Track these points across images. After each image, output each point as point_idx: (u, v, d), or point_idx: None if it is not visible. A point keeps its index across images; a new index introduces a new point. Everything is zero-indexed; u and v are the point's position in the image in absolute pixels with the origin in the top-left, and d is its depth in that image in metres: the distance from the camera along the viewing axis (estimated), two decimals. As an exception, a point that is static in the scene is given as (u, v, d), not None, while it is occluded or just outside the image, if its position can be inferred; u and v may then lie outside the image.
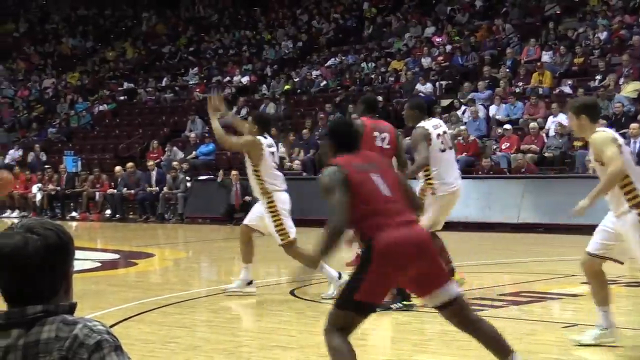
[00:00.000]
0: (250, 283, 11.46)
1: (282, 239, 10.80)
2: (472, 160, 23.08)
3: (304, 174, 25.00)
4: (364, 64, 31.62)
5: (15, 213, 29.23)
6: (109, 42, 43.61)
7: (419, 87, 28.04)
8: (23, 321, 2.77)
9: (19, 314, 2.78)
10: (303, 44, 35.83)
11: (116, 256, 17.55)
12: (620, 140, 7.70)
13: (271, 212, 10.80)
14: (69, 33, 44.85)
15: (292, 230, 10.89)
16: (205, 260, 17.75)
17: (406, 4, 35.18)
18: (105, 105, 36.90)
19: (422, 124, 10.44)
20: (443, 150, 10.47)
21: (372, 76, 30.52)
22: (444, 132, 10.60)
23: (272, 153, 10.96)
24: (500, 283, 12.90)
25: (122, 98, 37.26)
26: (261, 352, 8.14)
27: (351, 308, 5.86)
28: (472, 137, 23.62)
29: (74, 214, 28.64)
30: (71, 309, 2.85)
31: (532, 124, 22.88)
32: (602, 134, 7.63)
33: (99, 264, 15.41)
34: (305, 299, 10.99)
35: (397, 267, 5.81)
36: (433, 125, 10.51)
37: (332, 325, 5.94)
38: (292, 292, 11.50)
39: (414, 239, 5.83)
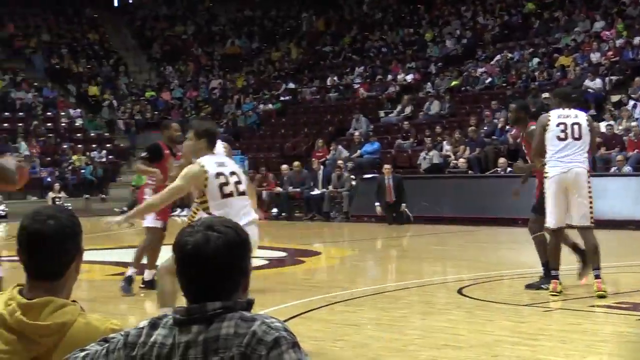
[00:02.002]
0: None
1: None
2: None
3: (470, 172, 24.75)
4: (533, 60, 31.06)
5: (185, 211, 29.88)
6: (274, 43, 44.18)
7: (587, 82, 27.41)
8: (203, 317, 2.80)
9: (199, 310, 2.81)
10: (468, 41, 35.50)
11: (283, 254, 17.72)
12: None
13: None
14: (235, 34, 45.65)
15: None
16: (370, 259, 17.76)
17: (573, -1, 34.48)
18: (270, 105, 37.41)
19: (551, 111, 10.99)
20: (562, 139, 10.74)
21: (537, 73, 29.99)
22: (574, 124, 10.82)
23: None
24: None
25: (287, 98, 37.67)
26: (430, 351, 8.06)
27: None
28: (643, 133, 22.95)
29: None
30: (249, 305, 2.87)
31: None
32: None
33: (267, 262, 15.57)
34: (473, 298, 10.87)
35: None
36: (559, 115, 10.86)
37: None
38: (459, 291, 11.40)
39: None
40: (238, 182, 7.85)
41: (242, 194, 7.82)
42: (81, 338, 3.19)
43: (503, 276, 12.77)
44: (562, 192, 10.69)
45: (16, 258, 3.37)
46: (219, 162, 7.92)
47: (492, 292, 11.37)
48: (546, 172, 10.73)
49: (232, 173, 7.86)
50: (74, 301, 3.35)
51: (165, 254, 8.08)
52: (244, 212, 7.72)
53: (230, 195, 7.75)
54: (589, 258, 10.77)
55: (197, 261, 2.81)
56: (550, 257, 10.84)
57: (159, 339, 2.84)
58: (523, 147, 12.20)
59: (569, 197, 10.71)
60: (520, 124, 11.83)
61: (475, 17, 37.12)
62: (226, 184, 7.76)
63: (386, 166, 24.65)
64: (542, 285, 11.07)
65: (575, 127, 10.82)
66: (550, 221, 10.70)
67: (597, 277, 10.48)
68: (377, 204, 24.12)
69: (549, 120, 10.84)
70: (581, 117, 11.01)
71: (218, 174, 7.75)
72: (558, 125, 10.77)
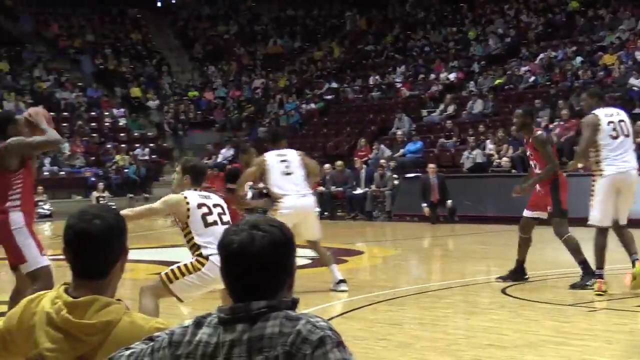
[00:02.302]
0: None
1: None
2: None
3: (513, 171, 24.60)
4: (576, 59, 30.83)
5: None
6: (316, 42, 44.20)
7: (632, 80, 27.17)
8: (247, 316, 2.80)
9: (243, 309, 2.81)
10: (511, 39, 35.30)
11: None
12: None
13: None
14: (277, 34, 45.72)
15: None
16: (413, 258, 17.71)
17: (618, -4, 34.19)
18: (313, 104, 37.43)
19: (595, 111, 10.97)
20: (615, 137, 10.83)
21: (580, 71, 29.75)
22: (620, 121, 10.97)
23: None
24: None
25: (329, 97, 37.66)
26: (474, 350, 8.03)
27: None
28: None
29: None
30: (293, 304, 2.87)
31: None
32: None
33: (309, 261, 15.57)
34: (517, 298, 10.81)
35: None
36: (605, 114, 10.95)
37: None
38: (503, 291, 11.34)
39: None
40: (222, 213, 8.06)
41: (227, 223, 7.90)
42: (126, 337, 3.20)
43: (547, 276, 12.69)
44: (615, 191, 10.73)
45: (61, 257, 3.39)
46: (202, 195, 8.14)
47: (536, 292, 11.31)
48: (601, 171, 10.74)
49: (216, 205, 8.09)
50: (118, 300, 3.37)
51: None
52: None
53: (214, 224, 7.93)
54: (630, 248, 10.82)
55: (242, 260, 2.81)
56: (595, 255, 10.78)
57: (203, 337, 2.84)
58: (528, 153, 12.14)
59: (619, 198, 10.73)
60: (526, 129, 11.90)
61: (519, 15, 36.90)
62: (209, 213, 7.98)
63: (431, 165, 24.61)
64: (587, 283, 11.06)
65: (622, 124, 10.95)
66: (597, 217, 10.69)
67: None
68: (424, 204, 24.07)
69: (599, 119, 10.83)
70: (622, 114, 11.24)
71: (200, 205, 7.98)
72: (608, 124, 10.80)
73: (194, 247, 7.98)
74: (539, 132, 11.93)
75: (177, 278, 7.91)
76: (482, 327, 9.19)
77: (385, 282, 13.48)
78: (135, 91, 40.88)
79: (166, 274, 7.98)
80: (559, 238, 11.63)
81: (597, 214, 10.71)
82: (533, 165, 11.92)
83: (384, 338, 8.69)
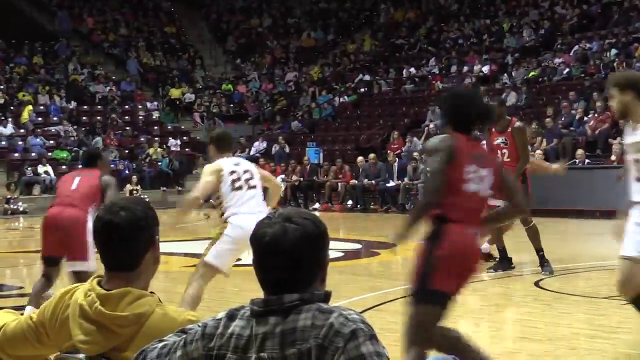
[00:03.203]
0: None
1: None
2: None
3: (547, 163, 24.46)
4: (611, 51, 30.60)
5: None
6: (349, 35, 44.13)
7: (667, 72, 26.96)
8: (280, 309, 2.81)
9: (276, 301, 2.82)
10: (545, 31, 35.09)
11: (358, 246, 17.72)
12: None
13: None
14: (310, 26, 45.69)
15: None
16: (446, 251, 17.61)
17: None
18: (345, 97, 37.39)
19: None
20: None
21: (615, 63, 29.52)
22: None
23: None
24: None
25: (362, 90, 37.62)
26: (506, 342, 8.01)
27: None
28: None
29: (316, 205, 29.08)
30: (326, 297, 2.87)
31: None
32: None
33: (342, 254, 15.59)
34: (550, 290, 10.76)
35: None
36: None
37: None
38: (536, 284, 11.30)
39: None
40: (250, 178, 8.45)
41: (253, 187, 8.40)
42: (159, 329, 3.22)
43: (580, 268, 12.63)
44: None
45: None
46: (233, 162, 8.61)
47: (569, 285, 11.26)
48: None
49: (246, 170, 8.50)
50: (151, 292, 3.38)
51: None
52: (253, 202, 8.34)
53: (239, 188, 8.34)
54: None
55: (275, 253, 2.82)
56: None
57: (236, 330, 2.85)
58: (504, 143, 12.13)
59: None
60: (500, 121, 11.91)
61: (553, 6, 36.66)
62: (237, 179, 8.38)
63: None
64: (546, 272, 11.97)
65: None
66: None
67: None
68: None
69: None
70: None
71: (231, 172, 8.40)
72: None
73: (221, 212, 8.38)
74: (518, 124, 12.03)
75: (208, 249, 8.28)
76: (515, 319, 9.16)
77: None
78: (175, 92, 40.91)
79: (203, 253, 8.37)
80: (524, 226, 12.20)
81: None
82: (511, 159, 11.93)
83: (417, 331, 8.65)
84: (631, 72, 13.37)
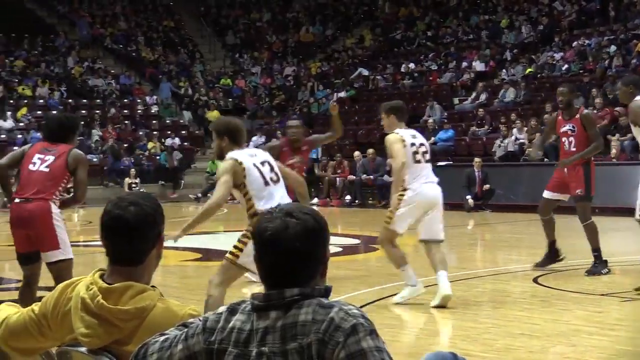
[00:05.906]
0: None
1: None
2: None
3: (546, 159, 24.51)
4: (610, 47, 30.59)
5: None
6: (348, 29, 44.12)
7: (666, 69, 26.98)
8: (281, 303, 2.82)
9: (277, 296, 2.83)
10: (544, 27, 35.10)
11: (357, 241, 17.73)
12: None
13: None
14: (309, 21, 45.68)
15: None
16: (444, 246, 17.58)
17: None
18: (344, 92, 37.38)
19: (638, 98, 10.44)
20: None
21: (614, 59, 29.53)
22: None
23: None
24: None
25: (360, 85, 37.62)
26: (506, 339, 8.01)
27: None
28: None
29: (314, 200, 29.03)
30: (327, 292, 2.88)
31: None
32: None
33: (340, 249, 15.59)
34: (549, 287, 10.78)
35: None
36: None
37: None
38: (535, 280, 11.31)
39: None
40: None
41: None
42: (160, 323, 3.23)
43: (579, 265, 12.63)
44: None
45: (92, 243, 3.43)
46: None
47: (568, 281, 11.26)
48: None
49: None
50: (153, 286, 3.40)
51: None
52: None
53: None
54: None
55: (276, 247, 2.83)
56: None
57: (237, 324, 2.87)
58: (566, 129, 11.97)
59: None
60: (568, 108, 11.78)
61: (552, 2, 36.68)
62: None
63: (476, 159, 24.70)
64: (602, 271, 11.43)
65: None
66: None
67: None
68: (468, 196, 24.09)
69: None
70: None
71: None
72: None
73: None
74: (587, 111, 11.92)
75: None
76: (514, 316, 9.17)
77: (416, 270, 13.43)
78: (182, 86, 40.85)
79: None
80: (582, 222, 11.76)
81: None
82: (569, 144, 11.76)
83: (416, 326, 8.69)
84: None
